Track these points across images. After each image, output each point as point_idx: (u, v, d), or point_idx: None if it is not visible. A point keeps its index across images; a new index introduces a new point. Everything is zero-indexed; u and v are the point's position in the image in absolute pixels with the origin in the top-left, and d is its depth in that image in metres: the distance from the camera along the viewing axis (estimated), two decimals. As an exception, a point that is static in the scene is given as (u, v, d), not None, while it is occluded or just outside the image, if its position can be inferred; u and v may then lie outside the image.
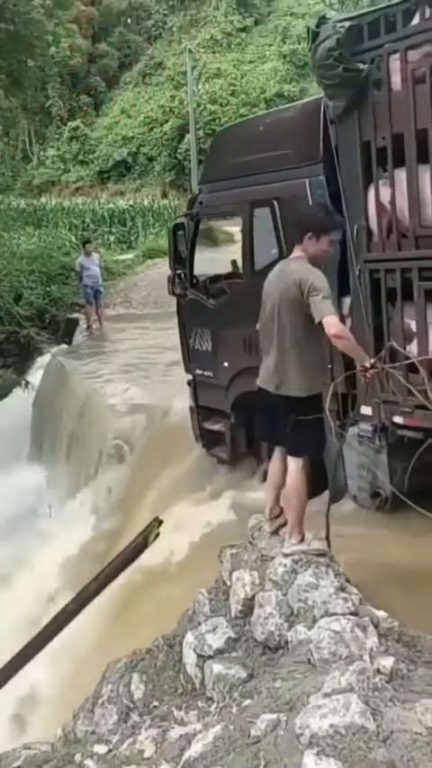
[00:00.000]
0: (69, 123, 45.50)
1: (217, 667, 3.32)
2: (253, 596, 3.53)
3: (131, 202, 30.02)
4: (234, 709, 2.95)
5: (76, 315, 15.05)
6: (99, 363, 11.48)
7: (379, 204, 4.55)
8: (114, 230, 24.35)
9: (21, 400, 12.35)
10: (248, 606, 3.52)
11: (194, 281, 6.75)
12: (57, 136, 46.58)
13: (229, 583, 3.73)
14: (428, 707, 2.31)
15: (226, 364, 6.25)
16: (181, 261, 6.78)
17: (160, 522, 3.60)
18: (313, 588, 3.30)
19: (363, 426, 4.96)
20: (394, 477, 4.81)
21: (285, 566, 3.51)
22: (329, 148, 4.93)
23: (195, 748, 2.72)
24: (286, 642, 3.27)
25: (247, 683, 3.20)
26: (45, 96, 42.36)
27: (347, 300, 4.96)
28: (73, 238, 19.54)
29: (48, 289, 15.37)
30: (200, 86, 40.15)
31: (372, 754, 2.16)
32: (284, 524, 3.83)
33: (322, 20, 4.66)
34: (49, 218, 25.76)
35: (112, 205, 29.13)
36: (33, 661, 4.00)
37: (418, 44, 4.19)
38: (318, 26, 4.62)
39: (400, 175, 4.38)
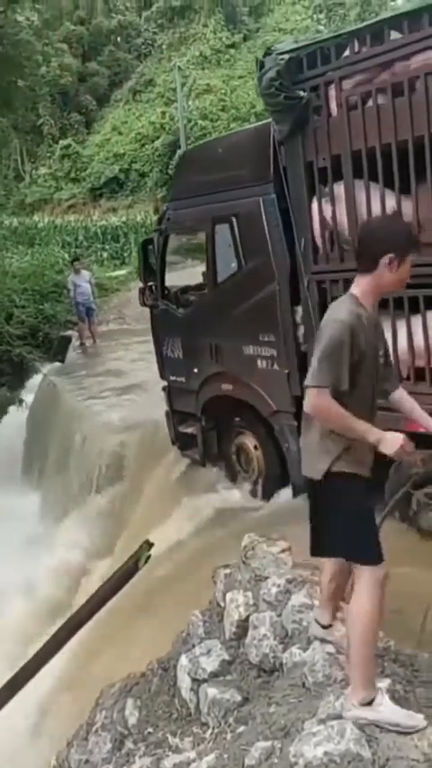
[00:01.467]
0: (61, 141, 45.75)
1: (212, 691, 3.25)
2: (247, 617, 3.46)
3: (124, 219, 30.17)
4: (228, 736, 2.89)
5: (69, 332, 15.03)
6: (92, 381, 11.44)
7: (322, 220, 4.95)
8: (107, 247, 24.44)
9: (14, 419, 12.28)
10: (243, 628, 3.45)
11: (166, 292, 7.09)
12: (48, 154, 46.80)
13: (222, 604, 3.66)
14: (424, 733, 2.25)
15: (195, 370, 6.60)
16: (152, 273, 7.12)
17: (151, 545, 3.54)
18: (307, 609, 3.24)
19: None
20: None
21: (279, 586, 3.45)
22: (279, 169, 5.29)
23: (189, 778, 2.66)
24: (281, 664, 3.21)
25: (242, 707, 3.13)
26: (36, 115, 42.49)
27: (299, 309, 5.33)
28: (66, 256, 19.56)
29: (40, 307, 15.32)
30: (190, 102, 40.42)
31: (367, 784, 2.10)
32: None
33: (268, 51, 5.08)
34: (41, 236, 25.86)
35: (104, 222, 29.30)
36: (24, 689, 3.94)
37: (351, 74, 4.60)
38: (264, 57, 5.03)
39: (340, 193, 4.79)
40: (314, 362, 2.60)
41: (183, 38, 48.07)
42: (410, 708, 2.58)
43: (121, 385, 10.57)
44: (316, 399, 2.58)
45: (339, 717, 2.42)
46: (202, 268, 6.67)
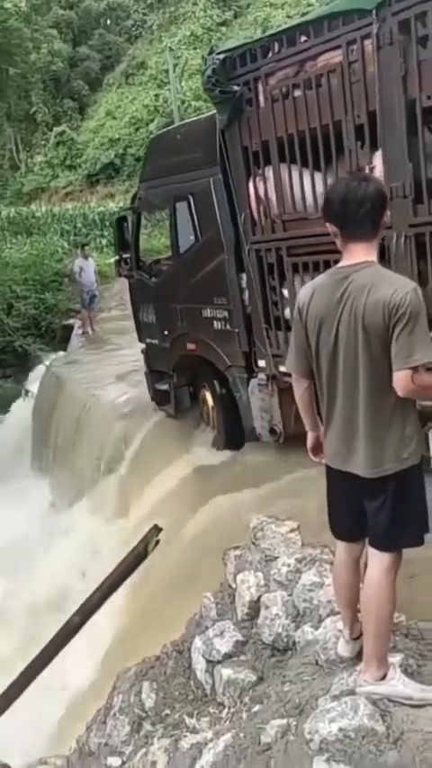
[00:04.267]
0: (55, 129, 45.38)
1: (226, 672, 3.28)
2: (258, 598, 3.48)
3: (122, 204, 29.92)
4: (244, 715, 2.92)
5: (71, 320, 15.04)
6: (95, 368, 11.46)
7: (257, 197, 5.73)
8: (106, 233, 24.24)
9: (21, 410, 12.33)
10: (254, 608, 3.47)
11: (141, 263, 8.01)
12: (43, 142, 46.46)
13: (234, 585, 3.69)
14: (438, 705, 2.27)
15: (166, 333, 7.46)
16: (126, 247, 8.01)
17: (159, 530, 3.55)
18: (318, 587, 3.26)
19: (260, 376, 6.11)
20: (284, 416, 5.92)
21: (289, 565, 3.47)
22: (224, 153, 6.02)
23: (207, 758, 2.69)
24: (294, 643, 3.23)
25: (257, 686, 3.16)
26: (29, 103, 42.18)
27: (244, 276, 6.12)
28: (65, 244, 19.51)
29: (42, 296, 15.33)
30: (183, 83, 39.98)
31: (383, 758, 2.12)
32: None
33: (210, 51, 5.85)
34: (39, 225, 25.68)
35: (102, 208, 29.07)
36: (43, 674, 3.99)
37: (274, 71, 5.36)
38: (207, 56, 5.84)
39: (269, 173, 5.55)
40: (403, 338, 2.32)
41: (173, 18, 47.43)
42: (423, 681, 2.60)
43: (124, 370, 10.58)
44: (419, 379, 2.35)
45: (353, 693, 2.44)
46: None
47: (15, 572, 7.56)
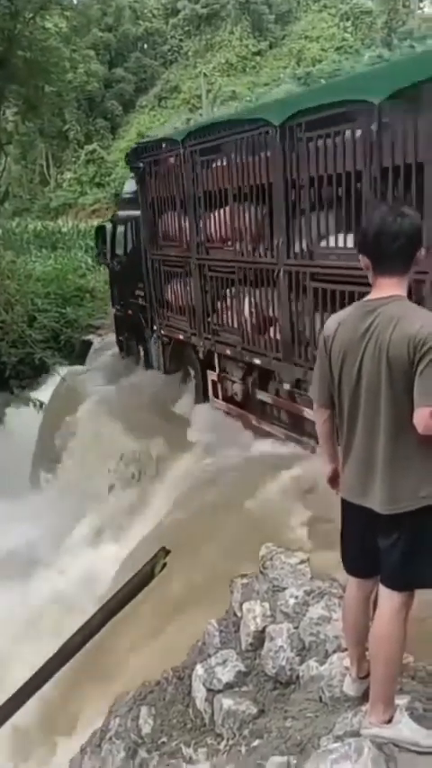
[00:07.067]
0: (86, 147, 46.01)
1: (227, 702, 3.22)
2: (264, 628, 3.42)
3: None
4: (243, 749, 2.85)
5: (90, 336, 15.11)
6: (111, 384, 11.47)
7: (152, 228, 9.71)
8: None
9: (28, 423, 12.19)
10: (259, 639, 3.41)
11: (114, 256, 12.08)
12: (74, 159, 47.11)
13: (239, 614, 3.63)
14: (445, 753, 2.20)
15: (121, 303, 12.08)
16: (105, 244, 12.31)
17: (167, 552, 3.50)
18: (325, 621, 3.19)
19: (155, 336, 10.30)
20: (165, 360, 10.19)
21: (297, 597, 3.41)
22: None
23: (203, 791, 2.63)
24: (298, 677, 3.16)
25: (258, 719, 3.09)
26: (62, 120, 42.84)
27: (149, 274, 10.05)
28: (89, 260, 19.63)
29: (62, 311, 15.43)
30: (215, 109, 40.48)
31: (385, 805, 2.05)
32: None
33: (138, 139, 11.02)
34: (64, 240, 25.93)
35: (127, 227, 29.25)
36: (38, 694, 3.92)
37: (157, 160, 9.28)
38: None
39: (162, 216, 9.35)
40: (426, 374, 2.27)
41: (209, 45, 48.25)
42: (430, 726, 2.52)
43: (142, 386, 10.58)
44: None
45: (357, 734, 2.37)
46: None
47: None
